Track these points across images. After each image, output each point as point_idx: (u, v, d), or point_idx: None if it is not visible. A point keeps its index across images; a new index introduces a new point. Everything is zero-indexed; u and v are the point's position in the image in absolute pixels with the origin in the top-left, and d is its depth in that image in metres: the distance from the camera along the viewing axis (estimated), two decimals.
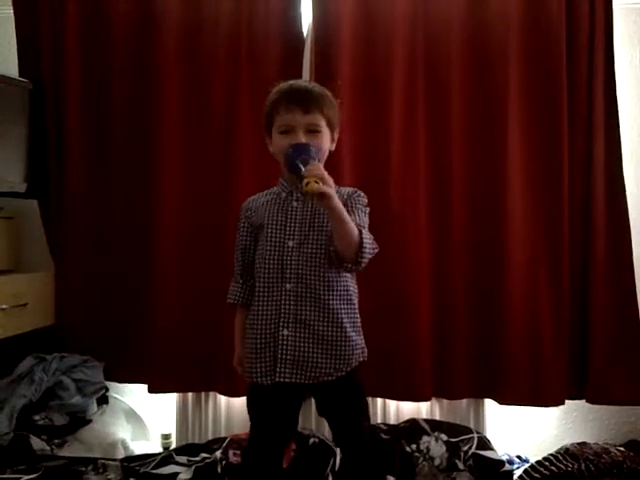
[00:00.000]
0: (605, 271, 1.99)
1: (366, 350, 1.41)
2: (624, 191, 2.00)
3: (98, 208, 2.06)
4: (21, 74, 2.02)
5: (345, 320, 1.34)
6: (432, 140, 2.00)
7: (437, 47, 1.99)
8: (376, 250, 1.31)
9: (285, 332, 1.32)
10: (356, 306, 1.39)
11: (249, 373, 1.36)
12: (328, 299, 1.33)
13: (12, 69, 2.02)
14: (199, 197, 2.02)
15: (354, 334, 1.36)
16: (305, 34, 2.05)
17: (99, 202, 2.06)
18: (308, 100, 1.34)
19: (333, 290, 1.34)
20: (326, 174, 1.22)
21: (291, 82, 1.41)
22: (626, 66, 2.12)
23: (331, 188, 1.21)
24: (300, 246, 1.34)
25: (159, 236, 1.99)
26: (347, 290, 1.37)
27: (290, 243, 1.35)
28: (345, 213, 1.25)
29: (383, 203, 1.95)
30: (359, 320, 1.40)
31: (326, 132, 1.38)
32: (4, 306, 1.78)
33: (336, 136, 1.44)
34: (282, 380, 1.31)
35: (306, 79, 2.02)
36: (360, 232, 1.27)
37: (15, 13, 2.05)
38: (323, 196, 1.19)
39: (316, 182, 1.18)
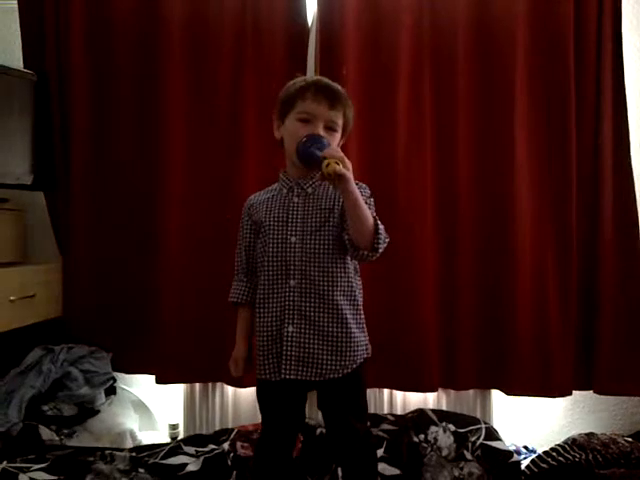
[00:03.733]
0: (613, 261, 1.98)
1: (370, 347, 1.41)
2: (632, 180, 1.99)
3: (104, 199, 2.05)
4: (25, 66, 2.01)
5: (349, 316, 1.34)
6: (439, 130, 1.99)
7: (443, 35, 1.98)
8: (387, 240, 1.31)
9: (290, 329, 1.32)
10: (360, 303, 1.39)
11: (258, 370, 1.37)
12: (333, 295, 1.32)
13: (16, 61, 2.01)
14: (204, 189, 2.01)
15: (357, 331, 1.36)
16: (310, 23, 2.03)
17: (105, 193, 2.05)
18: (336, 96, 1.35)
19: (337, 286, 1.33)
20: (345, 157, 1.21)
21: (318, 77, 1.41)
22: (635, 53, 2.10)
23: (350, 172, 1.21)
24: (303, 242, 1.34)
25: (166, 227, 1.99)
26: (350, 286, 1.36)
27: (293, 239, 1.34)
28: (361, 198, 1.25)
29: (390, 193, 1.94)
30: (363, 317, 1.40)
31: (339, 134, 1.39)
32: (12, 297, 1.78)
33: (341, 143, 1.43)
34: (287, 377, 1.31)
35: (311, 69, 2.01)
36: (375, 218, 1.27)
37: (19, 4, 2.03)
38: (342, 178, 1.19)
39: (337, 163, 1.17)
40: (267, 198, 1.42)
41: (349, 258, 1.37)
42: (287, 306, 1.32)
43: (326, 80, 1.39)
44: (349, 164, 1.22)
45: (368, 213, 1.26)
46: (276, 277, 1.34)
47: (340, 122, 1.37)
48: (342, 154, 1.22)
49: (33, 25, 2.03)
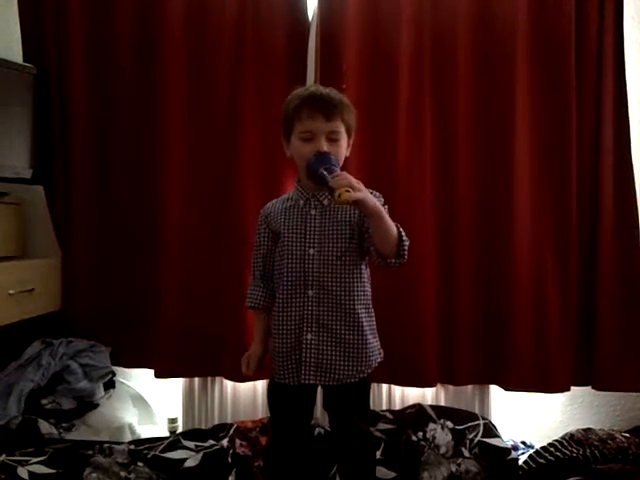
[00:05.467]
0: (612, 257, 1.98)
1: (382, 351, 1.44)
2: (632, 178, 1.99)
3: (104, 193, 2.05)
4: (25, 59, 2.01)
5: (365, 324, 1.37)
6: (439, 125, 1.98)
7: (444, 30, 1.97)
8: (408, 242, 1.31)
9: (309, 336, 1.35)
10: (372, 309, 1.42)
11: (276, 374, 1.40)
12: (349, 304, 1.36)
13: (16, 54, 2.01)
14: (204, 181, 2.01)
15: (371, 337, 1.40)
16: (310, 18, 2.03)
17: (105, 187, 2.05)
18: (330, 107, 1.35)
19: (354, 295, 1.36)
20: (353, 180, 1.22)
21: (311, 88, 1.41)
22: (636, 49, 2.09)
23: (362, 191, 1.22)
24: (321, 254, 1.36)
25: (165, 221, 1.99)
26: (365, 294, 1.40)
27: (311, 251, 1.37)
28: (383, 211, 1.26)
29: (389, 189, 1.89)
30: (375, 323, 1.43)
31: (344, 139, 1.39)
32: (11, 291, 1.79)
33: (351, 142, 1.44)
34: (306, 382, 1.35)
35: (312, 65, 2.01)
36: (397, 226, 1.29)
37: None
38: (358, 202, 1.21)
39: (347, 191, 1.19)
40: (284, 208, 1.44)
41: (364, 267, 1.40)
42: (306, 315, 1.36)
43: (319, 92, 1.37)
44: (360, 185, 1.22)
45: (391, 223, 1.28)
46: (294, 287, 1.37)
47: (341, 130, 1.37)
48: (349, 179, 1.22)
49: (33, 18, 2.03)
